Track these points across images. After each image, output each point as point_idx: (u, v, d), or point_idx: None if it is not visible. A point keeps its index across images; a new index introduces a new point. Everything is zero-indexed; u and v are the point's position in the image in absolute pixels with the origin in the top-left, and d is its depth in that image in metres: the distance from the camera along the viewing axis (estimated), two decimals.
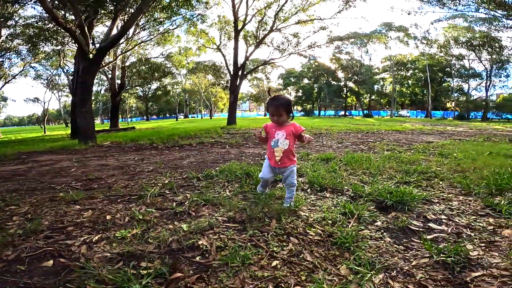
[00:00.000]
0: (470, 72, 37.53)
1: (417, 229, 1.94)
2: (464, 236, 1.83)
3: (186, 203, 2.47)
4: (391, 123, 16.53)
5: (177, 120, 50.22)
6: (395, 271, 1.47)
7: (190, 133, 9.83)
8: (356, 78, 46.82)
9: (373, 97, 49.78)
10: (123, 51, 18.99)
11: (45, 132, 24.06)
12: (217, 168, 3.88)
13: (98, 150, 6.98)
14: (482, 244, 1.73)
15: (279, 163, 2.36)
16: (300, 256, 1.61)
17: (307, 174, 3.34)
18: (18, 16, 18.88)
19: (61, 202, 2.64)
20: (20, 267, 1.54)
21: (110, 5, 11.01)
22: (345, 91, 50.80)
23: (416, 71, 42.57)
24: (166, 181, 3.30)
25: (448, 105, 45.31)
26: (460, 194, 2.66)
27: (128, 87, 25.34)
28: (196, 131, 10.29)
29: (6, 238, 1.87)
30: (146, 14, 13.80)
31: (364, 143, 6.61)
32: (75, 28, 8.41)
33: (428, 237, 1.82)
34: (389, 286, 1.35)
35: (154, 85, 43.18)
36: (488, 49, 29.05)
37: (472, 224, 2.01)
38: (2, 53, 21.59)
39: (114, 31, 10.43)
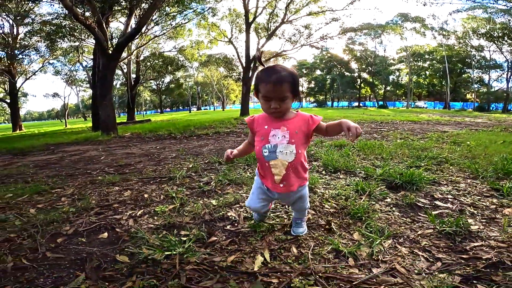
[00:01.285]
0: (490, 63, 36.08)
1: (424, 205, 2.13)
2: (467, 213, 2.00)
3: (212, 183, 2.74)
4: (407, 114, 16.31)
5: (190, 112, 50.84)
6: (402, 238, 1.67)
7: (205, 124, 10.12)
8: (370, 69, 45.82)
9: (388, 88, 48.65)
10: (138, 46, 19.44)
11: (66, 126, 25.02)
12: None
13: (121, 141, 7.39)
14: (483, 220, 1.89)
15: (281, 185, 1.45)
16: (318, 224, 1.85)
17: (321, 158, 3.55)
18: (34, 14, 19.54)
19: (102, 184, 2.96)
20: (82, 239, 1.78)
21: (124, 1, 11.30)
22: (359, 82, 49.93)
23: (434, 62, 41.18)
24: (191, 165, 3.59)
25: (468, 96, 43.83)
26: (468, 177, 2.80)
27: (142, 81, 25.94)
28: (210, 122, 10.57)
29: (62, 215, 2.14)
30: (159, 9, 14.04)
31: (378, 132, 6.70)
32: (94, 25, 8.76)
33: (434, 212, 2.00)
34: (397, 250, 1.55)
35: (167, 79, 43.90)
36: (508, 40, 27.77)
37: (476, 203, 2.16)
38: (21, 50, 22.42)
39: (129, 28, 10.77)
